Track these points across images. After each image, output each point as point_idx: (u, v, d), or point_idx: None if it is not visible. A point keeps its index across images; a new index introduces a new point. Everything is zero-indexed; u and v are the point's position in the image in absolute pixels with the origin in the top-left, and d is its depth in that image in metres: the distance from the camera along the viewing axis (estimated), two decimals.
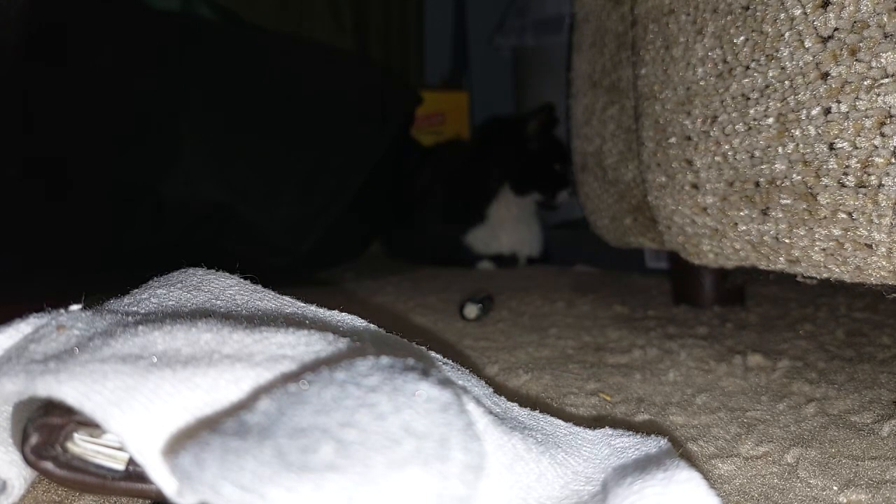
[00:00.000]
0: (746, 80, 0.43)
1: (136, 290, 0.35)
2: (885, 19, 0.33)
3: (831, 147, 0.37)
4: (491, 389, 0.33)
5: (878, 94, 0.34)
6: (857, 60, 0.35)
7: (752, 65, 0.42)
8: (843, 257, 0.39)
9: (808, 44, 0.38)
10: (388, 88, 1.18)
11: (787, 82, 0.40)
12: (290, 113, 1.00)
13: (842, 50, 0.35)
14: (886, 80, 0.33)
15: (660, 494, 0.21)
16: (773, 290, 0.82)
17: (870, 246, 0.37)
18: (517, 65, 1.59)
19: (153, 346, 0.25)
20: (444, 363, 0.34)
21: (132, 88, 0.89)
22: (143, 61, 0.91)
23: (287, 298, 0.38)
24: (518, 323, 0.67)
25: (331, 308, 0.37)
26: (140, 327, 0.26)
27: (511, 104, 1.65)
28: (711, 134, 0.47)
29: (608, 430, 0.30)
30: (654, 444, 0.28)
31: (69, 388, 0.22)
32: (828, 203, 0.38)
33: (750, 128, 0.43)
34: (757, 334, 0.61)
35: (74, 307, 0.30)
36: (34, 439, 0.24)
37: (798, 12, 0.38)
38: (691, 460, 0.32)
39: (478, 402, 0.26)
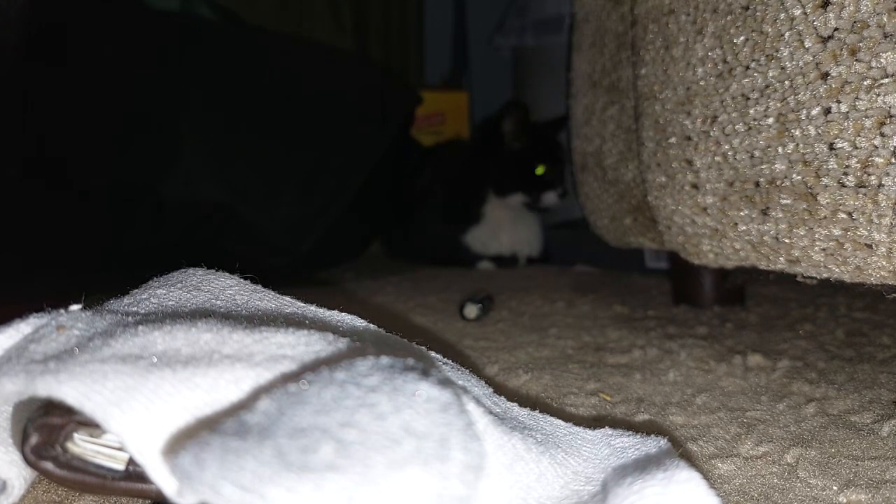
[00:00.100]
0: (746, 80, 0.43)
1: (136, 290, 0.35)
2: (885, 19, 0.33)
3: (831, 147, 0.37)
4: (491, 389, 0.33)
5: (878, 94, 0.34)
6: (857, 60, 0.35)
7: (752, 65, 0.42)
8: (843, 257, 0.39)
9: (808, 44, 0.38)
10: (388, 88, 1.18)
11: (787, 82, 0.40)
12: (289, 113, 1.00)
13: (842, 50, 0.36)
14: (886, 80, 0.33)
15: (660, 494, 0.21)
16: (773, 290, 0.82)
17: (870, 246, 0.37)
18: (517, 65, 1.59)
19: (153, 346, 0.25)
20: (444, 363, 0.34)
21: (132, 88, 0.89)
22: (143, 61, 0.91)
23: (287, 298, 0.38)
24: (518, 323, 0.67)
25: (331, 308, 0.37)
26: (140, 327, 0.26)
27: None
28: (711, 134, 0.47)
29: (608, 430, 0.30)
30: (654, 444, 0.28)
31: (69, 388, 0.22)
32: (828, 203, 0.38)
33: (750, 128, 0.43)
34: (757, 334, 0.61)
35: (74, 307, 0.30)
36: (34, 439, 0.24)
37: (798, 12, 0.38)
38: (691, 460, 0.32)
39: (478, 402, 0.26)
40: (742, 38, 0.43)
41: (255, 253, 0.96)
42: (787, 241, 0.42)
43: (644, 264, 1.00)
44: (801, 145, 0.39)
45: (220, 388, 0.23)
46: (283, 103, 1.00)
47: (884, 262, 0.37)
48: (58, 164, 0.82)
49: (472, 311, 0.68)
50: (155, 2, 1.01)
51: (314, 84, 1.05)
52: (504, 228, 1.21)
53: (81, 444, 0.25)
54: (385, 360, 0.23)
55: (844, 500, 0.29)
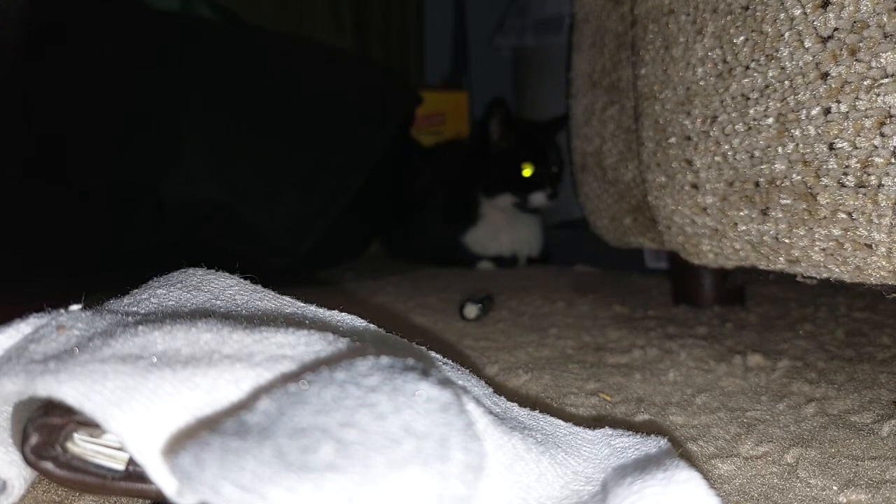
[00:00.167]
0: (746, 80, 0.43)
1: (136, 290, 0.35)
2: (885, 19, 0.33)
3: (831, 147, 0.37)
4: (491, 389, 0.33)
5: (878, 94, 0.34)
6: (856, 60, 0.35)
7: (752, 65, 0.42)
8: (843, 257, 0.39)
9: (807, 44, 0.38)
10: (388, 88, 1.18)
11: (786, 82, 0.40)
12: (290, 113, 1.00)
13: (842, 50, 0.36)
14: (886, 80, 0.33)
15: (660, 494, 0.21)
16: (773, 290, 0.82)
17: (870, 246, 0.37)
18: (517, 65, 1.59)
19: (153, 346, 0.25)
20: (444, 363, 0.34)
21: (132, 88, 0.89)
22: (143, 61, 0.91)
23: (287, 298, 0.38)
24: (518, 323, 0.67)
25: (331, 308, 0.37)
26: (140, 327, 0.26)
27: (511, 104, 1.65)
28: (711, 134, 0.47)
29: (608, 430, 0.30)
30: (653, 444, 0.28)
31: (69, 388, 0.22)
32: (828, 203, 0.38)
33: (750, 128, 0.43)
34: (757, 334, 0.61)
35: (74, 307, 0.30)
36: (34, 439, 0.24)
37: (798, 12, 0.38)
38: (691, 460, 0.32)
39: (478, 402, 0.26)
40: (742, 38, 0.43)
41: (255, 253, 0.96)
42: (787, 241, 0.42)
43: (644, 264, 1.00)
44: (800, 145, 0.39)
45: (220, 388, 0.23)
46: (283, 103, 1.00)
47: (884, 262, 0.37)
48: (58, 164, 0.82)
49: (472, 311, 0.68)
50: (155, 2, 1.01)
51: (314, 84, 1.05)
52: (503, 229, 1.21)
53: (81, 444, 0.25)
54: (385, 360, 0.23)
55: (844, 500, 0.29)
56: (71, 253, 0.82)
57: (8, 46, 0.74)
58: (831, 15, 0.36)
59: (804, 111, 0.38)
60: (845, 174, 0.36)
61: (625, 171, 0.68)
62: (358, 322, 0.36)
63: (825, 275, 0.42)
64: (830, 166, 0.37)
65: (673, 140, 0.52)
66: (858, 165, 0.36)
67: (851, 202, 0.37)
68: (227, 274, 0.38)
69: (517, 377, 0.47)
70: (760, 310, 0.71)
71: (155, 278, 0.37)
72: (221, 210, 0.93)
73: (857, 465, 0.32)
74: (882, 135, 0.34)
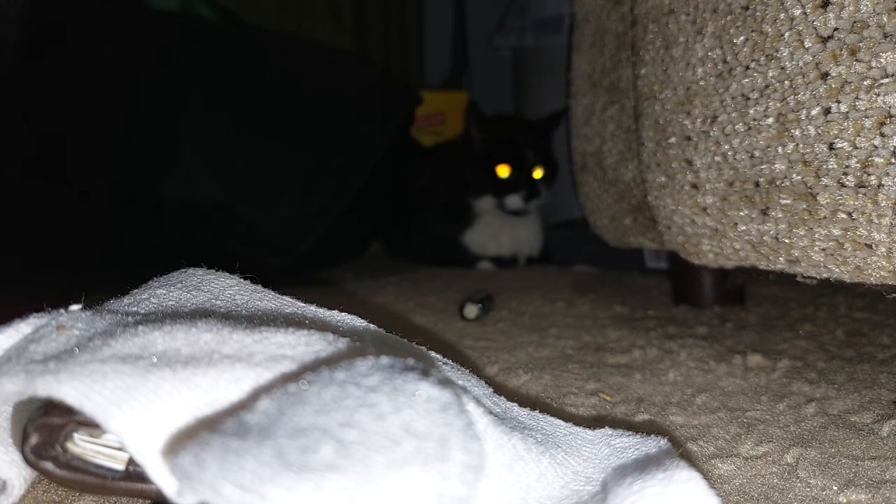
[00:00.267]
0: (746, 80, 0.43)
1: (136, 290, 0.35)
2: (885, 19, 0.33)
3: (831, 147, 0.37)
4: (491, 389, 0.33)
5: (878, 94, 0.34)
6: (856, 60, 0.35)
7: (752, 65, 0.42)
8: (843, 257, 0.39)
9: (807, 44, 0.38)
10: (388, 88, 1.18)
11: (786, 82, 0.40)
12: (289, 113, 1.00)
13: (842, 50, 0.36)
14: (886, 80, 0.33)
15: (660, 494, 0.21)
16: (773, 290, 0.82)
17: (870, 246, 0.37)
18: (517, 65, 1.59)
19: (153, 346, 0.25)
20: (444, 363, 0.34)
21: (132, 88, 0.89)
22: (143, 61, 0.91)
23: (287, 298, 0.38)
24: (518, 323, 0.67)
25: (331, 308, 0.37)
26: (140, 327, 0.26)
27: (511, 104, 1.65)
28: (711, 134, 0.47)
29: (608, 430, 0.30)
30: (653, 444, 0.28)
31: (69, 388, 0.22)
32: (828, 203, 0.38)
33: (750, 128, 0.43)
34: (757, 334, 0.61)
35: (74, 307, 0.30)
36: (34, 439, 0.24)
37: (798, 12, 0.38)
38: (691, 460, 0.33)
39: (478, 402, 0.26)
40: (742, 38, 0.43)
41: (255, 253, 0.96)
42: (786, 241, 0.42)
43: (644, 264, 1.00)
44: (800, 145, 0.39)
45: (220, 388, 0.23)
46: (283, 103, 1.00)
47: (884, 262, 0.37)
48: (58, 164, 0.82)
49: (472, 311, 0.68)
50: (155, 2, 1.01)
51: (314, 84, 1.05)
52: (503, 229, 1.21)
53: (81, 444, 0.25)
54: (385, 360, 0.23)
55: (844, 500, 0.29)
56: (71, 253, 0.82)
57: (8, 46, 0.74)
58: (831, 15, 0.36)
59: (804, 111, 0.38)
60: (845, 174, 0.36)
61: (625, 171, 0.68)
62: (358, 322, 0.36)
63: (825, 275, 0.42)
64: (830, 166, 0.37)
65: (673, 140, 0.52)
66: (858, 165, 0.36)
67: (851, 202, 0.37)
68: (227, 274, 0.38)
69: (517, 377, 0.47)
70: (760, 310, 0.71)
71: (155, 278, 0.37)
72: (221, 210, 0.93)
73: (857, 465, 0.32)
74: (882, 135, 0.34)
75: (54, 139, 0.82)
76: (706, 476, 0.26)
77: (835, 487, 0.30)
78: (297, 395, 0.21)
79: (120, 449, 0.25)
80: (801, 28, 0.38)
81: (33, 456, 0.24)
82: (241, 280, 0.38)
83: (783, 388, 0.45)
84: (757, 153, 0.43)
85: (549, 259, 1.25)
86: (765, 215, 0.44)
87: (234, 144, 0.95)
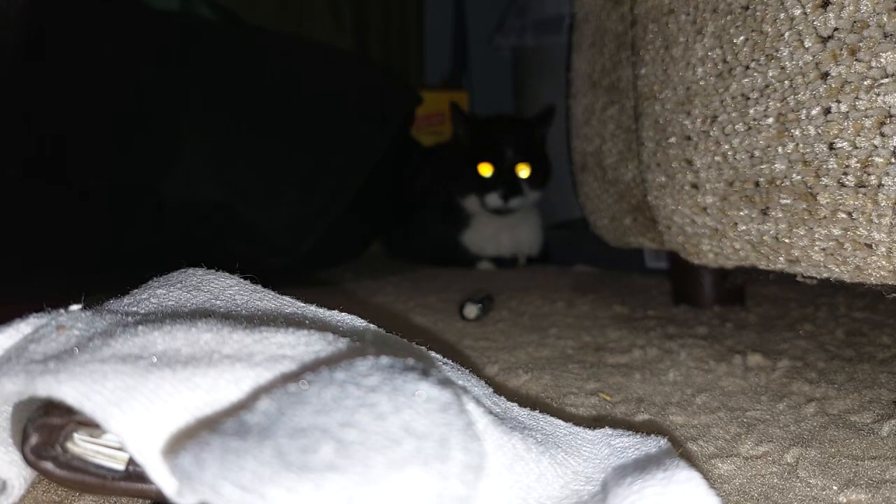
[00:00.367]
0: (746, 80, 0.43)
1: (136, 290, 0.35)
2: (885, 19, 0.33)
3: (831, 147, 0.37)
4: (491, 389, 0.33)
5: (878, 94, 0.34)
6: (856, 60, 0.35)
7: (752, 65, 0.42)
8: (843, 257, 0.39)
9: (807, 44, 0.38)
10: (388, 88, 1.18)
11: (786, 82, 0.40)
12: (290, 113, 1.00)
13: (842, 50, 0.36)
14: (886, 80, 0.33)
15: (660, 494, 0.21)
16: (773, 290, 0.82)
17: (870, 246, 0.37)
18: (517, 65, 1.59)
19: (153, 346, 0.25)
20: (444, 363, 0.34)
21: (132, 88, 0.89)
22: (143, 61, 0.91)
23: (287, 298, 0.38)
24: (518, 323, 0.67)
25: (331, 308, 0.37)
26: (140, 327, 0.26)
27: (511, 104, 1.65)
28: (711, 134, 0.47)
29: (608, 430, 0.30)
30: (653, 444, 0.28)
31: (69, 388, 0.22)
32: (828, 203, 0.38)
33: (750, 128, 0.43)
34: (757, 334, 0.61)
35: (74, 307, 0.30)
36: (34, 439, 0.24)
37: (798, 12, 0.38)
38: (691, 460, 0.33)
39: (478, 402, 0.26)
40: (742, 37, 0.43)
41: (255, 253, 0.96)
42: (786, 240, 0.42)
43: (644, 264, 1.00)
44: (800, 145, 0.39)
45: (220, 388, 0.23)
46: (283, 103, 1.00)
47: (884, 262, 0.37)
48: (58, 164, 0.82)
49: (472, 311, 0.68)
50: (155, 2, 1.01)
51: (314, 84, 1.05)
52: (502, 229, 1.21)
53: (81, 444, 0.25)
54: (385, 360, 0.23)
55: (844, 500, 0.29)
56: (71, 253, 0.82)
57: (8, 46, 0.74)
58: (831, 15, 0.36)
59: (804, 111, 0.38)
60: (845, 174, 0.36)
61: (625, 170, 0.68)
62: (358, 322, 0.36)
63: (825, 275, 0.42)
64: (830, 166, 0.37)
65: (673, 140, 0.52)
66: (858, 165, 0.36)
67: (851, 202, 0.37)
68: (227, 274, 0.38)
69: (517, 377, 0.47)
70: (760, 310, 0.71)
71: (155, 278, 0.37)
72: (221, 210, 0.93)
73: (857, 465, 0.32)
74: (882, 134, 0.34)
75: (54, 139, 0.82)
76: (706, 476, 0.26)
77: (835, 487, 0.30)
78: (297, 395, 0.21)
79: (120, 449, 0.25)
80: (801, 28, 0.38)
81: (33, 456, 0.24)
82: (241, 280, 0.38)
83: (783, 388, 0.45)
84: (757, 153, 0.43)
85: (549, 259, 1.25)
86: (765, 215, 0.44)
87: (234, 144, 0.95)
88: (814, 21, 0.37)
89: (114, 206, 0.87)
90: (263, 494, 0.17)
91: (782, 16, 0.39)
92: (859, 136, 0.35)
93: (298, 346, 0.26)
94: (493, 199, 1.15)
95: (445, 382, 0.22)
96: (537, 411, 0.32)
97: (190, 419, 0.22)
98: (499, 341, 0.59)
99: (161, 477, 0.21)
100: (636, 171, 0.66)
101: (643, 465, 0.24)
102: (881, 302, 0.71)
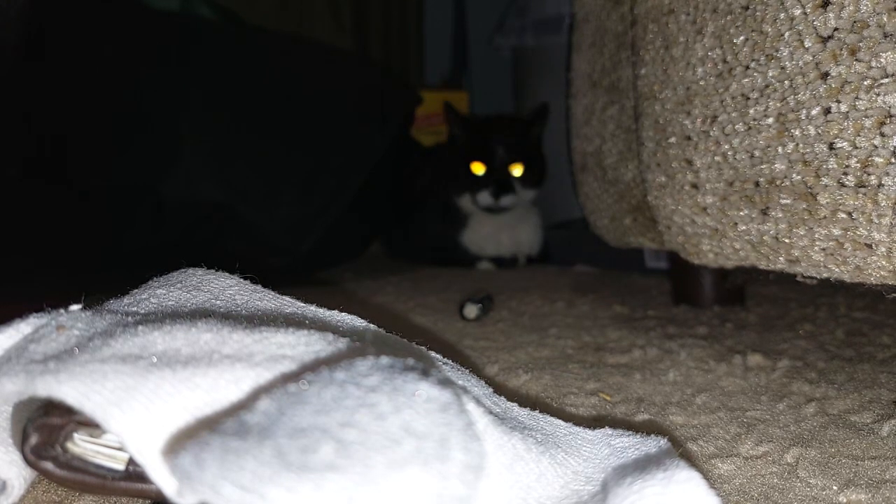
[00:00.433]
0: (746, 80, 0.43)
1: (136, 290, 0.35)
2: (885, 19, 0.33)
3: (831, 147, 0.37)
4: (491, 389, 0.33)
5: (878, 94, 0.34)
6: (856, 60, 0.35)
7: (752, 65, 0.42)
8: (843, 257, 0.39)
9: (807, 44, 0.38)
10: (388, 88, 1.18)
11: (786, 82, 0.40)
12: (289, 113, 1.00)
13: (842, 50, 0.36)
14: (886, 80, 0.33)
15: (660, 494, 0.21)
16: (773, 290, 0.82)
17: (870, 246, 0.37)
18: (517, 65, 1.59)
19: (153, 346, 0.25)
20: (444, 363, 0.34)
21: (132, 88, 0.89)
22: (143, 61, 0.91)
23: (287, 298, 0.38)
24: (518, 323, 0.67)
25: (331, 308, 0.37)
26: (140, 327, 0.26)
27: (511, 104, 1.65)
28: (711, 134, 0.47)
29: (608, 430, 0.30)
30: (653, 444, 0.28)
31: (69, 388, 0.22)
32: (828, 203, 0.38)
33: (750, 128, 0.43)
34: (757, 334, 0.61)
35: (74, 307, 0.30)
36: (34, 439, 0.24)
37: (798, 12, 0.38)
38: (691, 460, 0.33)
39: (478, 402, 0.26)
40: (742, 37, 0.43)
41: (255, 253, 0.96)
42: (786, 240, 0.42)
43: (644, 264, 1.00)
44: (800, 145, 0.39)
45: (220, 388, 0.23)
46: (283, 103, 1.00)
47: (884, 262, 0.37)
48: (58, 164, 0.82)
49: (472, 311, 0.68)
50: (155, 2, 1.01)
51: (314, 84, 1.05)
52: (502, 229, 1.21)
53: (81, 444, 0.25)
54: (385, 360, 0.23)
55: (844, 500, 0.29)
56: (71, 253, 0.82)
57: (8, 46, 0.74)
58: (831, 15, 0.36)
59: (804, 111, 0.38)
60: (845, 174, 0.36)
61: (625, 170, 0.68)
62: (358, 322, 0.36)
63: (825, 275, 0.42)
64: (830, 166, 0.37)
65: (673, 140, 0.52)
66: (858, 165, 0.36)
67: (851, 202, 0.37)
68: (227, 274, 0.38)
69: (517, 377, 0.47)
70: (760, 310, 0.71)
71: (155, 278, 0.37)
72: (221, 210, 0.93)
73: (857, 465, 0.32)
74: (882, 134, 0.34)
75: (54, 139, 0.82)
76: (706, 476, 0.26)
77: (835, 487, 0.30)
78: (297, 395, 0.21)
79: (120, 449, 0.25)
80: (801, 28, 0.38)
81: (33, 456, 0.24)
82: (241, 280, 0.38)
83: (783, 388, 0.45)
84: (757, 153, 0.43)
85: (549, 259, 1.25)
86: (765, 215, 0.44)
87: (234, 144, 0.95)
88: (814, 21, 0.37)
89: (114, 206, 0.87)
90: (263, 494, 0.17)
91: (782, 16, 0.39)
92: (859, 136, 0.35)
93: (298, 346, 0.26)
94: (484, 198, 1.15)
95: (445, 382, 0.22)
96: (537, 411, 0.32)
97: (190, 419, 0.22)
98: (499, 341, 0.59)
99: (161, 477, 0.21)
100: (636, 171, 0.66)
101: (643, 465, 0.24)
102: (881, 302, 0.71)
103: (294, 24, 1.66)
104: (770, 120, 0.41)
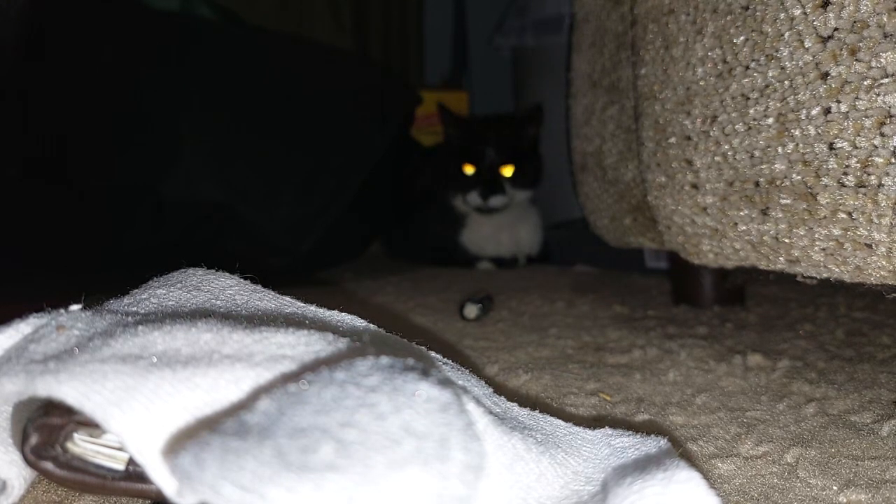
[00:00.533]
0: (746, 80, 0.43)
1: (136, 290, 0.35)
2: (885, 19, 0.33)
3: (831, 147, 0.37)
4: (491, 389, 0.33)
5: (878, 94, 0.34)
6: (856, 60, 0.35)
7: (752, 65, 0.42)
8: (843, 257, 0.39)
9: (808, 44, 0.38)
10: (388, 88, 1.18)
11: (786, 82, 0.40)
12: (289, 113, 1.00)
13: (842, 50, 0.36)
14: (886, 80, 0.33)
15: (660, 494, 0.21)
16: (773, 290, 0.82)
17: (870, 246, 0.37)
18: (517, 65, 1.59)
19: (153, 346, 0.25)
20: (444, 363, 0.34)
21: (132, 89, 0.89)
22: (143, 61, 0.91)
23: (287, 298, 0.38)
24: (518, 323, 0.67)
25: (331, 308, 0.37)
26: (140, 327, 0.26)
27: (511, 104, 1.65)
28: (711, 134, 0.47)
29: (608, 430, 0.30)
30: (653, 444, 0.28)
31: (69, 388, 0.22)
32: (828, 203, 0.38)
33: (750, 128, 0.43)
34: (757, 334, 0.61)
35: (74, 307, 0.30)
36: (34, 439, 0.24)
37: (798, 12, 0.38)
38: (691, 460, 0.33)
39: (478, 402, 0.26)
40: (742, 38, 0.43)
41: (255, 253, 0.96)
42: (786, 240, 0.42)
43: (644, 264, 1.00)
44: (800, 145, 0.39)
45: (220, 388, 0.23)
46: (283, 103, 1.00)
47: (884, 262, 0.37)
48: (58, 164, 0.82)
49: (472, 311, 0.68)
50: (155, 2, 1.01)
51: (314, 84, 1.05)
52: (501, 229, 1.21)
53: (81, 444, 0.25)
54: (385, 360, 0.23)
55: (844, 500, 0.29)
56: (71, 253, 0.82)
57: (8, 46, 0.74)
58: (831, 15, 0.36)
59: (804, 111, 0.38)
60: (845, 174, 0.36)
61: (625, 171, 0.68)
62: (358, 322, 0.36)
63: (825, 275, 0.42)
64: (830, 166, 0.37)
65: (673, 140, 0.52)
66: (858, 165, 0.36)
67: (851, 202, 0.37)
68: (227, 274, 0.38)
69: (517, 377, 0.47)
70: (760, 310, 0.71)
71: (155, 278, 0.37)
72: (221, 210, 0.93)
73: (857, 465, 0.32)
74: (882, 135, 0.34)
75: (54, 139, 0.82)
76: (706, 476, 0.26)
77: (835, 487, 0.30)
78: (297, 395, 0.21)
79: (120, 449, 0.25)
80: (801, 28, 0.38)
81: (33, 456, 0.24)
82: (241, 280, 0.38)
83: (783, 388, 0.45)
84: (757, 153, 0.43)
85: (549, 259, 1.25)
86: (765, 215, 0.44)
87: (234, 144, 0.95)
88: (814, 21, 0.37)
89: (114, 206, 0.87)
90: (263, 494, 0.17)
91: (782, 16, 0.39)
92: (859, 136, 0.35)
93: (298, 346, 0.26)
94: (473, 198, 1.16)
95: (445, 382, 0.22)
96: (537, 411, 0.32)
97: (190, 419, 0.22)
98: (499, 341, 0.59)
99: (161, 477, 0.21)
100: (636, 171, 0.66)
101: (643, 465, 0.24)
102: (881, 302, 0.71)
103: (294, 24, 1.66)
104: (770, 120, 0.41)
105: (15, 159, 0.77)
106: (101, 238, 0.86)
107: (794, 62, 0.39)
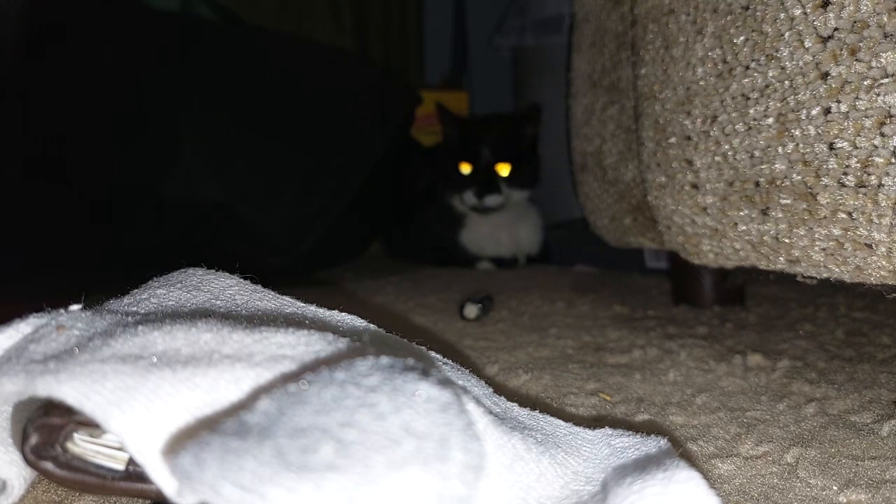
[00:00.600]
0: (746, 80, 0.43)
1: (136, 290, 0.35)
2: (885, 19, 0.33)
3: (831, 147, 0.37)
4: (491, 389, 0.33)
5: (878, 94, 0.34)
6: (857, 60, 0.35)
7: (752, 65, 0.42)
8: (843, 257, 0.39)
9: (808, 44, 0.38)
10: (388, 88, 1.18)
11: (787, 82, 0.40)
12: (289, 113, 1.00)
13: (842, 50, 0.36)
14: (886, 80, 0.33)
15: (660, 494, 0.21)
16: (773, 290, 0.82)
17: (870, 246, 0.37)
18: (517, 65, 1.59)
19: (153, 346, 0.25)
20: (444, 363, 0.34)
21: (132, 89, 0.89)
22: (144, 61, 0.91)
23: (287, 298, 0.38)
24: (518, 323, 0.67)
25: (331, 308, 0.37)
26: (140, 327, 0.26)
27: (511, 104, 1.65)
28: (711, 134, 0.47)
29: (608, 430, 0.30)
30: (653, 444, 0.28)
31: (69, 388, 0.22)
32: (828, 203, 0.38)
33: (750, 128, 0.43)
34: (757, 334, 0.61)
35: (74, 307, 0.30)
36: (34, 439, 0.24)
37: (798, 12, 0.38)
38: (691, 460, 0.33)
39: (478, 402, 0.26)
40: (742, 37, 0.43)
41: (255, 253, 0.96)
42: (787, 240, 0.42)
43: (644, 264, 1.00)
44: (801, 145, 0.39)
45: (220, 388, 0.23)
46: (283, 103, 1.00)
47: (884, 262, 0.37)
48: (58, 164, 0.82)
49: (472, 311, 0.68)
50: (155, 2, 1.01)
51: (314, 84, 1.05)
52: (501, 229, 1.21)
53: (81, 444, 0.25)
54: (385, 360, 0.23)
55: (844, 500, 0.29)
56: (71, 253, 0.82)
57: (8, 46, 0.74)
58: (831, 15, 0.36)
59: (804, 111, 0.38)
60: (845, 174, 0.36)
61: (625, 171, 0.68)
62: (358, 322, 0.36)
63: (825, 275, 0.42)
64: (830, 166, 0.37)
65: (673, 140, 0.52)
66: (858, 165, 0.36)
67: (851, 202, 0.37)
68: (227, 274, 0.38)
69: (517, 377, 0.47)
70: (760, 310, 0.71)
71: (155, 278, 0.37)
72: (221, 210, 0.93)
73: (857, 465, 0.32)
74: (882, 135, 0.34)
75: (54, 139, 0.82)
76: (706, 476, 0.26)
77: (835, 487, 0.30)
78: (297, 395, 0.21)
79: (120, 449, 0.25)
80: (801, 28, 0.38)
81: (33, 456, 0.24)
82: (241, 280, 0.38)
83: (783, 388, 0.45)
84: (757, 153, 0.43)
85: (549, 259, 1.25)
86: (765, 215, 0.44)
87: (234, 144, 0.95)
88: (814, 21, 0.37)
89: (114, 206, 0.87)
90: (263, 494, 0.17)
91: (782, 16, 0.39)
92: (859, 136, 0.35)
93: (298, 346, 0.26)
94: (469, 197, 1.16)
95: (445, 382, 0.22)
96: (537, 411, 0.32)
97: (190, 419, 0.22)
98: (499, 341, 0.59)
99: (161, 477, 0.21)
100: (636, 171, 0.66)
101: (643, 466, 0.24)
102: (881, 302, 0.71)
103: (294, 24, 1.66)
104: (770, 120, 0.41)
105: (15, 159, 0.77)
106: (101, 238, 0.86)
107: (794, 62, 0.39)
